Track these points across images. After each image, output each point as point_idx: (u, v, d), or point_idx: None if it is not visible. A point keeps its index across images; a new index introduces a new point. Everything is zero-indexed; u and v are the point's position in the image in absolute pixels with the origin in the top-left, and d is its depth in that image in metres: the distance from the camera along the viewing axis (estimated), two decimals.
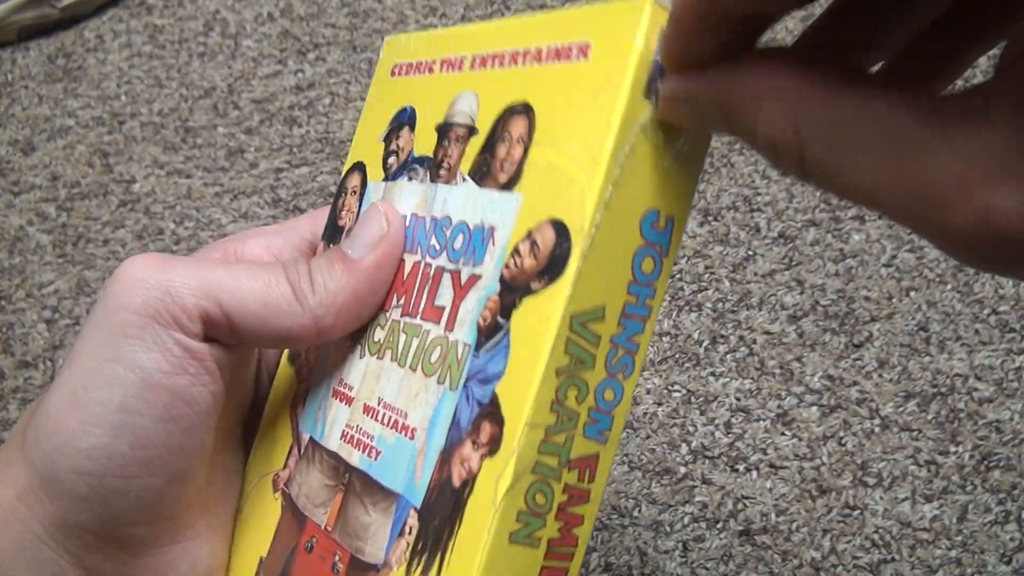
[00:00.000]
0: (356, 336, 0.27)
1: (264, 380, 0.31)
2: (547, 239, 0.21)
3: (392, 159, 0.28)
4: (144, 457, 0.24)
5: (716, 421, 0.47)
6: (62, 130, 0.69)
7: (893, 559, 0.42)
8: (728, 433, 0.47)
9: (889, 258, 0.52)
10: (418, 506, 0.22)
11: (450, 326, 0.23)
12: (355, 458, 0.25)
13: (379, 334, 0.26)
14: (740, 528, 0.44)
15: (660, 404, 0.48)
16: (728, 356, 0.49)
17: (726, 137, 0.59)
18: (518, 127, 0.23)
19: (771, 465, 0.45)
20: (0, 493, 0.24)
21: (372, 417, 0.25)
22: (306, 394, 0.28)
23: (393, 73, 0.29)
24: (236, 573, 0.28)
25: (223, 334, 0.25)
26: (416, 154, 0.27)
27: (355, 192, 0.29)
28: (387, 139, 0.28)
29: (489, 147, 0.24)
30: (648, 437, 0.48)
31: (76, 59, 0.74)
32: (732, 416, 0.48)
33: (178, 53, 0.72)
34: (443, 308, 0.24)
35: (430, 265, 0.25)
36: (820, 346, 0.49)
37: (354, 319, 0.26)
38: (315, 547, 0.25)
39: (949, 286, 0.50)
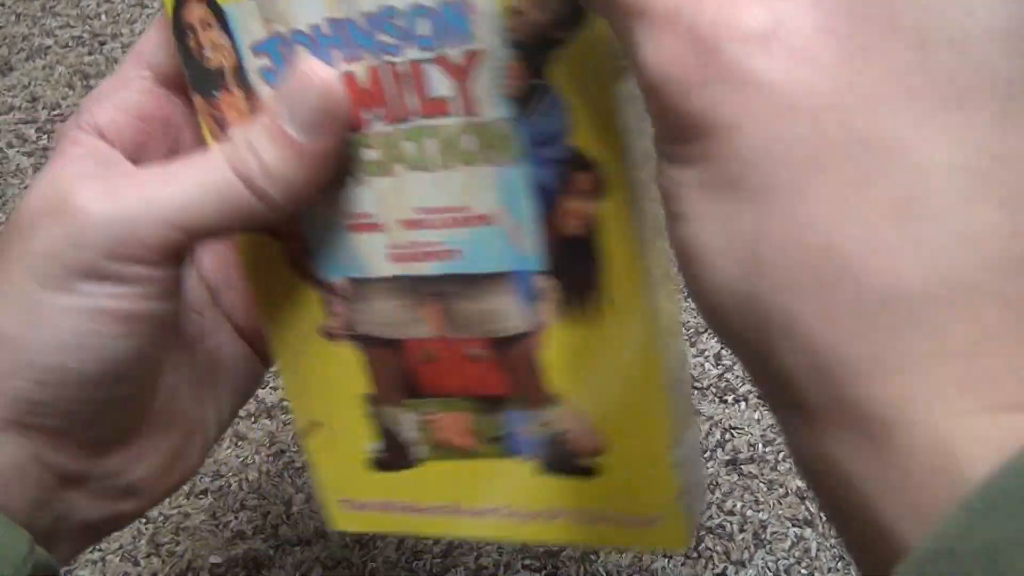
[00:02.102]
0: (342, 171, 0.25)
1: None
2: None
3: None
4: (108, 371, 0.24)
5: (706, 352, 0.47)
6: (40, 50, 0.67)
7: None
8: (718, 364, 0.47)
9: None
10: (542, 269, 0.24)
11: (470, 110, 0.23)
12: (430, 268, 0.26)
13: (372, 154, 0.25)
14: (727, 458, 0.44)
15: None
16: None
17: None
18: None
19: (760, 396, 0.46)
20: None
21: (419, 228, 0.25)
22: (305, 247, 0.27)
23: None
24: (335, 418, 0.29)
25: (185, 251, 0.24)
26: None
27: (208, 25, 0.25)
28: None
29: None
30: None
31: None
32: (722, 347, 0.47)
33: None
34: (446, 98, 0.23)
35: (394, 63, 0.23)
36: None
37: (313, 196, 0.25)
38: (436, 354, 0.27)
39: None
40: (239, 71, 0.25)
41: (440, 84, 0.23)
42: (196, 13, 0.25)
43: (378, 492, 0.30)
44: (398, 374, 0.28)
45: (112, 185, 0.23)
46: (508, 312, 0.25)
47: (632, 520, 0.26)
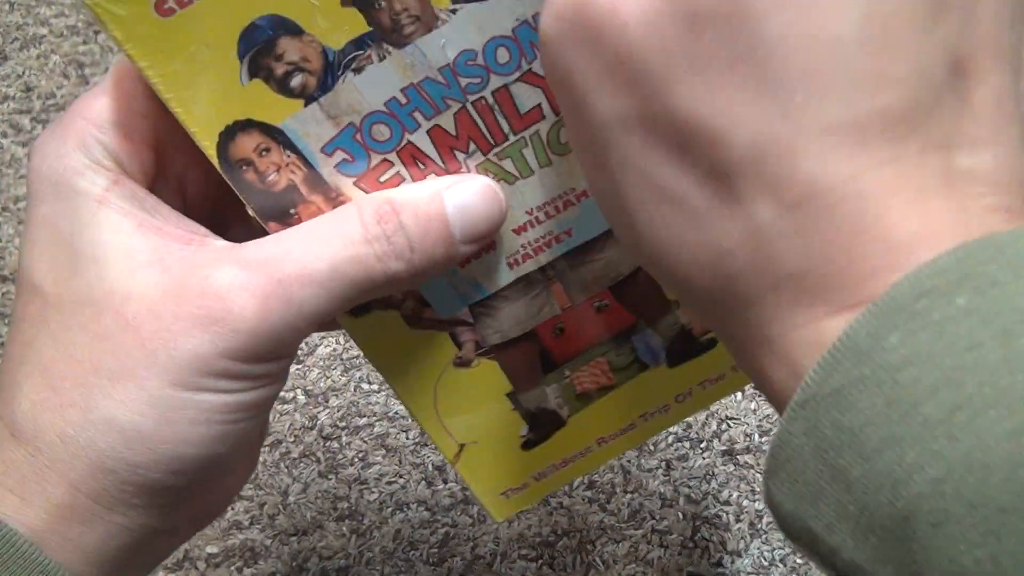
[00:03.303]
0: None
1: None
2: None
3: (298, 77, 0.22)
4: (237, 451, 0.24)
5: None
6: (35, 39, 0.67)
7: None
8: None
9: None
10: None
11: (559, 108, 0.24)
12: (545, 256, 0.27)
13: None
14: (723, 448, 0.44)
15: None
16: None
17: None
18: None
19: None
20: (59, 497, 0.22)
21: (533, 225, 0.26)
22: (421, 300, 0.27)
23: (163, 12, 0.21)
24: (483, 429, 0.30)
25: None
26: (338, 48, 0.22)
27: (267, 150, 0.23)
28: (256, 71, 0.22)
29: None
30: None
31: None
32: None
33: None
34: (537, 105, 0.24)
35: (482, 97, 0.23)
36: None
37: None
38: (565, 324, 0.28)
39: None
40: (312, 178, 0.24)
41: (528, 97, 0.23)
42: (249, 144, 0.23)
43: (533, 468, 0.31)
44: (534, 361, 0.29)
45: (260, 285, 0.22)
46: (624, 254, 0.27)
47: None
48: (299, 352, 0.50)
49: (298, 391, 0.48)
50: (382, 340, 0.27)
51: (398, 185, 0.24)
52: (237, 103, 0.22)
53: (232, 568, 0.43)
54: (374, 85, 0.23)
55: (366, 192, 0.24)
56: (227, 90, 0.22)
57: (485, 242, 0.25)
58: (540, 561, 0.42)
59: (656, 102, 0.17)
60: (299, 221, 0.24)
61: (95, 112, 0.23)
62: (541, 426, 0.30)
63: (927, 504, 0.14)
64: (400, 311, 0.27)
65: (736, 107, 0.16)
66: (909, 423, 0.14)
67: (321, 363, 0.49)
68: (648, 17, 0.17)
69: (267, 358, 0.23)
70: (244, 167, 0.23)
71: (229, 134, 0.23)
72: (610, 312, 0.28)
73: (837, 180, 0.15)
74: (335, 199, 0.24)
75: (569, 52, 0.18)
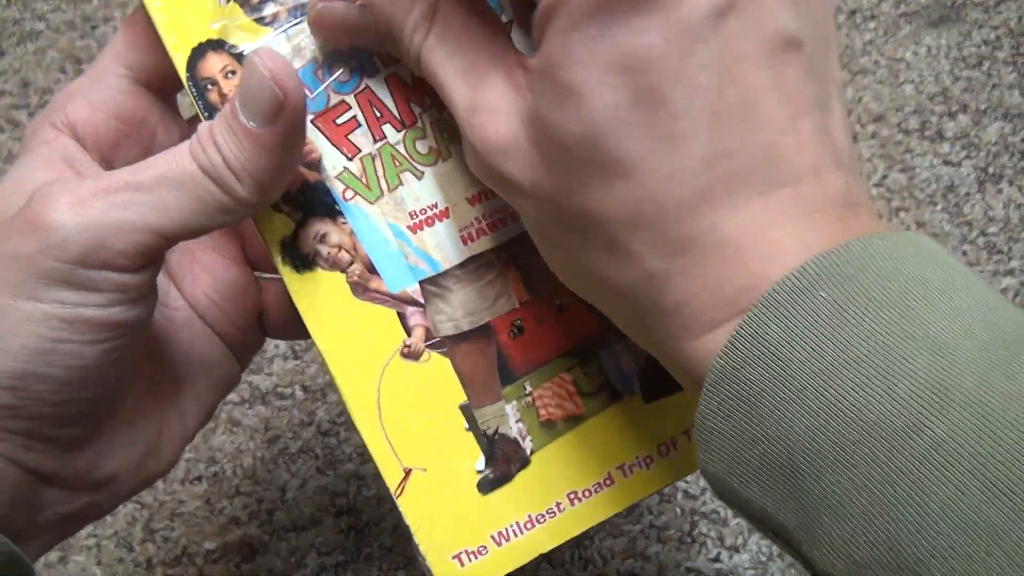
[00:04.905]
0: (394, 168, 0.26)
1: None
2: None
3: (271, 6, 0.24)
4: (76, 376, 0.24)
5: None
6: (32, 34, 0.67)
7: None
8: None
9: (880, 178, 0.51)
10: None
11: None
12: (499, 235, 0.26)
13: (424, 145, 0.26)
14: None
15: None
16: None
17: None
18: None
19: None
20: None
21: (487, 197, 0.26)
22: (369, 266, 0.26)
23: None
24: (435, 451, 0.27)
25: (158, 254, 0.24)
26: None
27: (232, 72, 0.25)
28: None
29: None
30: None
31: None
32: None
33: None
34: None
35: None
36: None
37: (279, 188, 0.25)
38: (524, 323, 0.27)
39: (939, 207, 0.50)
40: None
41: None
42: (217, 64, 0.25)
43: (492, 523, 0.27)
44: (490, 365, 0.27)
45: (82, 192, 0.23)
46: None
47: None
48: (296, 348, 0.50)
49: (296, 387, 0.48)
50: (324, 305, 0.26)
51: (354, 130, 0.25)
52: (213, 21, 0.24)
53: (230, 564, 0.43)
54: None
55: (321, 132, 0.25)
56: (205, 6, 0.24)
57: (280, 120, 0.23)
58: (538, 556, 0.42)
59: (565, 206, 0.22)
60: None
61: (72, 85, 0.26)
62: (501, 460, 0.27)
63: (805, 446, 0.18)
64: (346, 275, 0.26)
65: (616, 200, 0.21)
66: (788, 387, 0.19)
67: (319, 359, 0.49)
68: (529, 172, 0.22)
69: (98, 263, 0.23)
70: (209, 87, 0.25)
71: (200, 51, 0.24)
72: (573, 315, 0.27)
73: (701, 231, 0.20)
74: None
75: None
